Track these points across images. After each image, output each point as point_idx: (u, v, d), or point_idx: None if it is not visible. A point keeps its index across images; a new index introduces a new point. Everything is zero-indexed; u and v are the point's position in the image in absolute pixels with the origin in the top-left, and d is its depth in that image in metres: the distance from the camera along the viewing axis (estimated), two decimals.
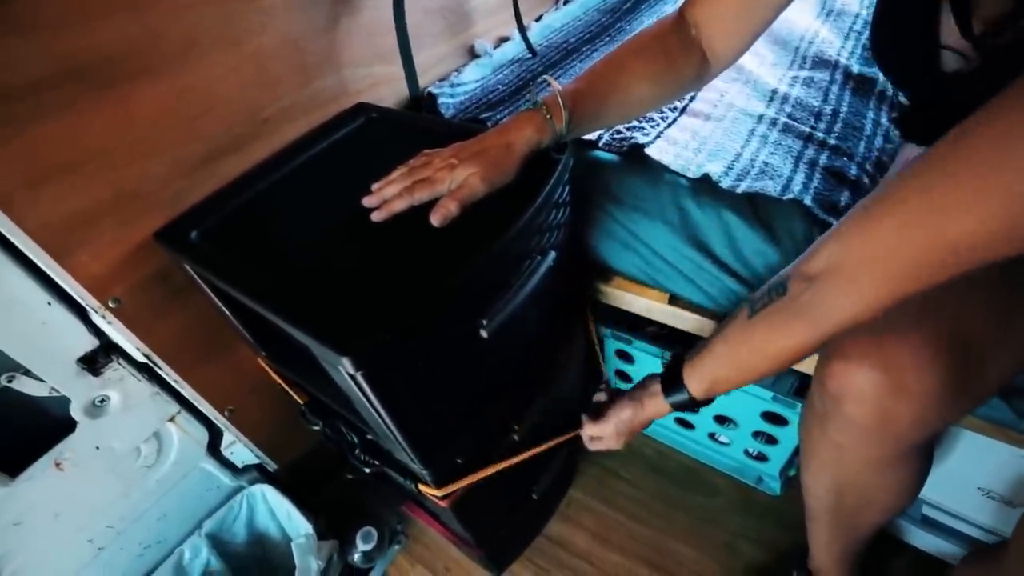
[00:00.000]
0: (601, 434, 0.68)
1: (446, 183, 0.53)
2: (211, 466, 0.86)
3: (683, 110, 0.81)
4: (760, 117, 0.77)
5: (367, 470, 0.72)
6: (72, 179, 0.54)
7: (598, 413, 0.69)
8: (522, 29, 1.01)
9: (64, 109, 0.52)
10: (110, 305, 0.60)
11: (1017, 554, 0.54)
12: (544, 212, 0.56)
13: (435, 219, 0.52)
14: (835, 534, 0.68)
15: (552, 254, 0.58)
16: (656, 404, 0.59)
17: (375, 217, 0.55)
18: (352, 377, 0.45)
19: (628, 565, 0.91)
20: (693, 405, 0.55)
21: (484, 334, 0.51)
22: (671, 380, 0.56)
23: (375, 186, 0.58)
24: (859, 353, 0.46)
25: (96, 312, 0.61)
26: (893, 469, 0.55)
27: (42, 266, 0.56)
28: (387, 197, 0.56)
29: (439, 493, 0.65)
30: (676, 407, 0.57)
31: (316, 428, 0.74)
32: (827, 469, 0.59)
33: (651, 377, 0.61)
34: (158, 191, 0.62)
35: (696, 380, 0.54)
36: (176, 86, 0.60)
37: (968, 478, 0.72)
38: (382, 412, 0.50)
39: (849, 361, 0.47)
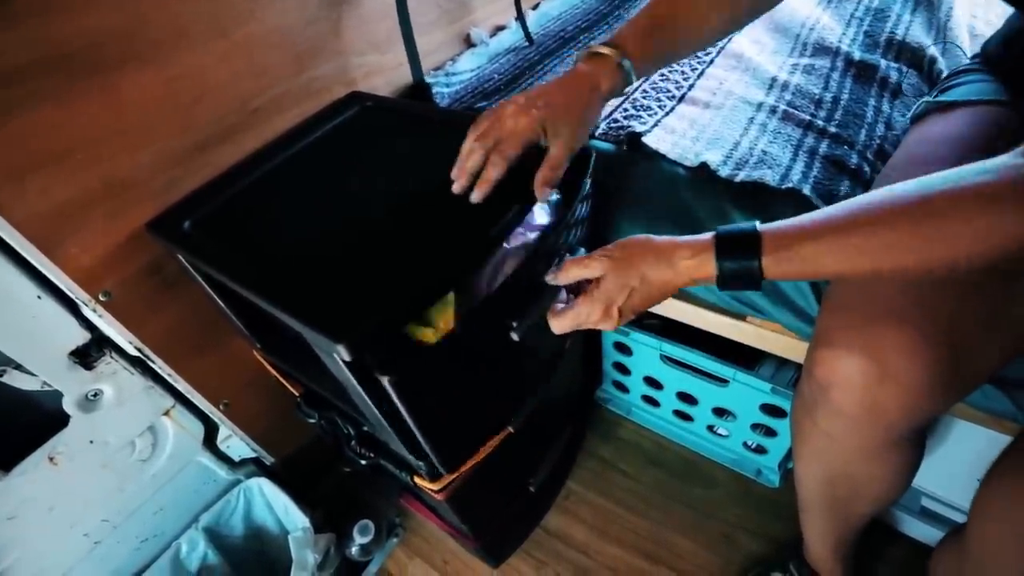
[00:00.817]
0: (592, 301, 0.47)
1: (535, 132, 0.49)
2: (207, 460, 0.86)
3: (681, 98, 0.79)
4: (759, 105, 0.76)
5: (363, 462, 0.72)
6: (59, 169, 0.53)
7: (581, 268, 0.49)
8: (521, 17, 0.99)
9: (50, 97, 0.51)
10: (101, 298, 0.60)
11: (974, 532, 0.54)
12: (580, 207, 0.55)
13: (545, 194, 0.50)
14: (829, 525, 0.68)
15: (581, 250, 0.56)
16: (697, 264, 0.43)
17: (475, 198, 0.51)
18: (347, 365, 0.44)
19: (626, 557, 0.91)
20: (750, 281, 0.41)
21: (515, 337, 0.48)
22: (737, 244, 0.41)
23: (456, 168, 0.52)
24: (847, 341, 0.46)
25: (87, 305, 0.60)
26: (883, 458, 0.54)
27: (30, 259, 0.55)
28: (473, 169, 0.51)
29: (435, 486, 0.64)
30: (726, 277, 0.42)
31: (312, 421, 0.74)
32: (818, 459, 0.58)
33: (678, 242, 0.44)
34: (148, 181, 0.61)
35: (787, 253, 0.39)
36: (165, 74, 0.59)
37: (968, 469, 0.72)
38: (376, 402, 0.49)
39: (836, 349, 0.46)
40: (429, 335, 0.47)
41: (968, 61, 0.68)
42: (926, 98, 0.64)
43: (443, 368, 0.50)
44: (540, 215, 0.54)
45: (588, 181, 0.57)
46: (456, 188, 0.52)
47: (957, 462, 0.71)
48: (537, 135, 0.50)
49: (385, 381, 0.44)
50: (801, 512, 0.70)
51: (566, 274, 0.48)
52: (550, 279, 0.49)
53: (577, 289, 0.50)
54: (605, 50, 0.52)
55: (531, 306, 0.49)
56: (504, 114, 0.51)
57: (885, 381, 0.44)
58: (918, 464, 0.57)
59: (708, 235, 0.43)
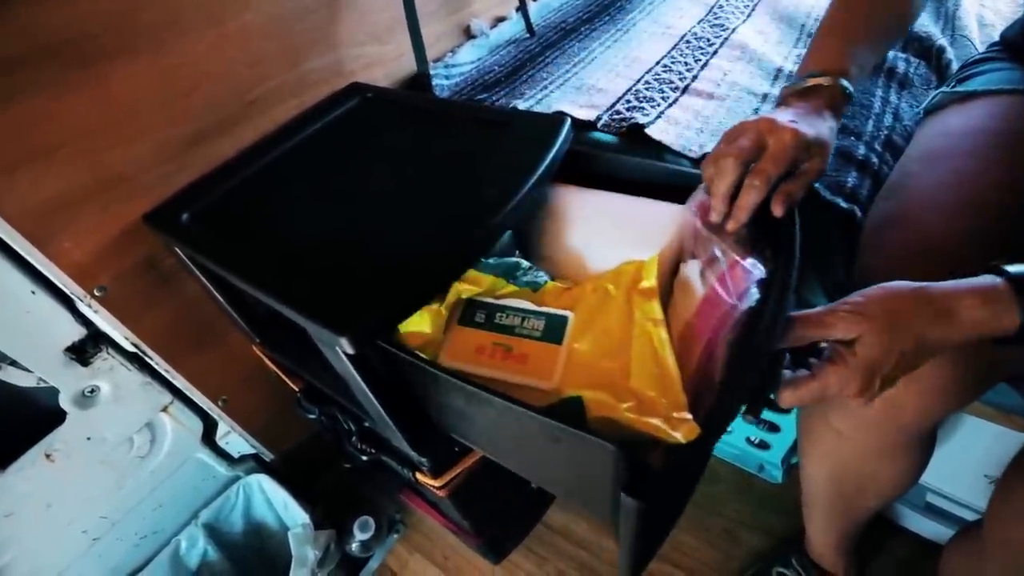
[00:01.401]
0: (844, 378, 0.37)
1: (801, 151, 0.43)
2: (206, 456, 0.85)
3: (685, 89, 0.78)
4: (764, 96, 0.75)
5: (364, 458, 0.71)
6: (51, 162, 0.52)
7: (830, 354, 0.39)
8: (524, 7, 0.98)
9: (39, 89, 0.50)
10: (96, 293, 0.59)
11: (993, 531, 0.53)
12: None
13: (781, 207, 0.44)
14: (833, 520, 0.68)
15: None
16: (991, 317, 0.34)
17: (730, 227, 0.44)
18: (350, 359, 0.43)
19: None
20: None
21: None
22: None
23: (714, 199, 0.45)
24: None
25: (82, 301, 0.59)
26: (895, 457, 0.54)
27: (23, 253, 0.54)
28: (727, 193, 0.44)
29: (436, 482, 0.64)
30: None
31: (312, 417, 0.73)
32: (827, 458, 0.58)
33: (958, 290, 0.35)
34: (142, 175, 0.60)
35: None
36: (158, 65, 0.58)
37: (975, 465, 0.71)
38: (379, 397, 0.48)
39: None
40: (662, 429, 0.37)
41: (985, 50, 0.66)
42: (943, 88, 0.63)
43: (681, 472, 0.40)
44: (757, 268, 0.44)
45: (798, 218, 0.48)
46: (714, 217, 0.45)
47: (963, 458, 0.71)
48: (801, 155, 0.43)
49: (630, 504, 0.35)
50: (805, 507, 0.70)
51: (800, 334, 0.38)
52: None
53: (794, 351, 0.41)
54: (821, 81, 0.49)
55: (765, 380, 0.40)
56: (760, 131, 0.44)
57: (904, 382, 0.43)
58: (927, 461, 0.57)
59: (994, 279, 0.35)
